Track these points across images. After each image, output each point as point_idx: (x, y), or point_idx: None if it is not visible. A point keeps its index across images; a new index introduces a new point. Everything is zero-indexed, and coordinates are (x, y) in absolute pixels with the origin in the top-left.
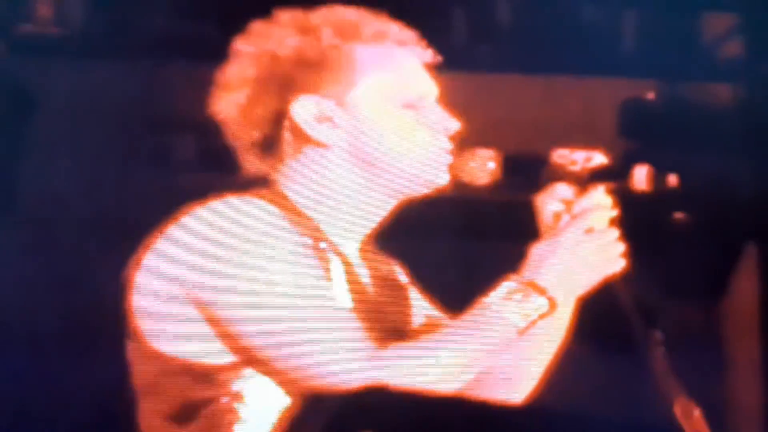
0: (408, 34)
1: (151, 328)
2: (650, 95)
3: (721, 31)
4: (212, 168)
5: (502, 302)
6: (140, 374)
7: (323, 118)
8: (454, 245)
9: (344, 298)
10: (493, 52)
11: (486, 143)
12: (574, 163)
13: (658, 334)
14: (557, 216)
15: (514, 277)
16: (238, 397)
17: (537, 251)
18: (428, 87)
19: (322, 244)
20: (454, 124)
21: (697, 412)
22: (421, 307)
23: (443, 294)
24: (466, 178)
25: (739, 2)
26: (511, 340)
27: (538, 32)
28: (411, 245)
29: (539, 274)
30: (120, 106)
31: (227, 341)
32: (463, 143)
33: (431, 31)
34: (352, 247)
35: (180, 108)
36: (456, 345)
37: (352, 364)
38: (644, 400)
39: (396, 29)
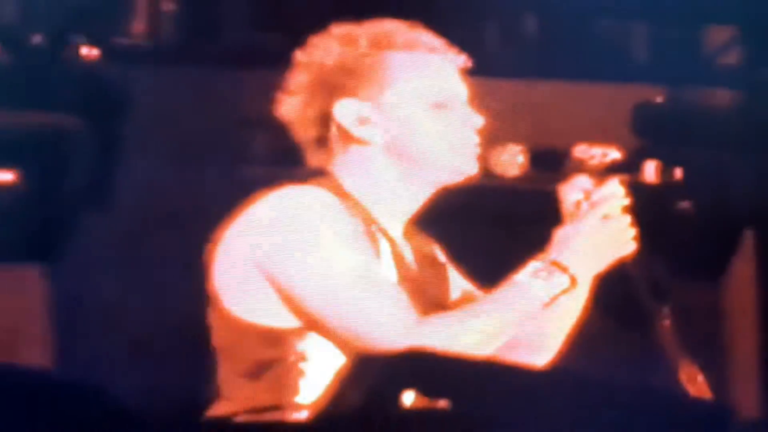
0: (438, 41)
1: (228, 297)
2: (659, 99)
3: (720, 42)
4: (284, 162)
5: (530, 279)
6: (219, 337)
7: (362, 119)
8: (489, 229)
9: (391, 274)
10: (526, 61)
11: (516, 139)
12: (592, 157)
13: (666, 309)
14: (578, 204)
15: (540, 257)
16: (302, 357)
17: (560, 235)
18: (456, 88)
19: (372, 227)
20: (479, 120)
21: (700, 377)
22: (457, 283)
23: (479, 272)
24: (499, 170)
25: (736, 16)
26: (536, 312)
27: (565, 44)
28: (451, 229)
29: (562, 255)
30: (204, 108)
31: (293, 308)
32: (496, 139)
33: (475, 41)
34: (397, 230)
35: (257, 110)
36: (489, 316)
37: (398, 330)
38: (654, 367)
39: (427, 37)
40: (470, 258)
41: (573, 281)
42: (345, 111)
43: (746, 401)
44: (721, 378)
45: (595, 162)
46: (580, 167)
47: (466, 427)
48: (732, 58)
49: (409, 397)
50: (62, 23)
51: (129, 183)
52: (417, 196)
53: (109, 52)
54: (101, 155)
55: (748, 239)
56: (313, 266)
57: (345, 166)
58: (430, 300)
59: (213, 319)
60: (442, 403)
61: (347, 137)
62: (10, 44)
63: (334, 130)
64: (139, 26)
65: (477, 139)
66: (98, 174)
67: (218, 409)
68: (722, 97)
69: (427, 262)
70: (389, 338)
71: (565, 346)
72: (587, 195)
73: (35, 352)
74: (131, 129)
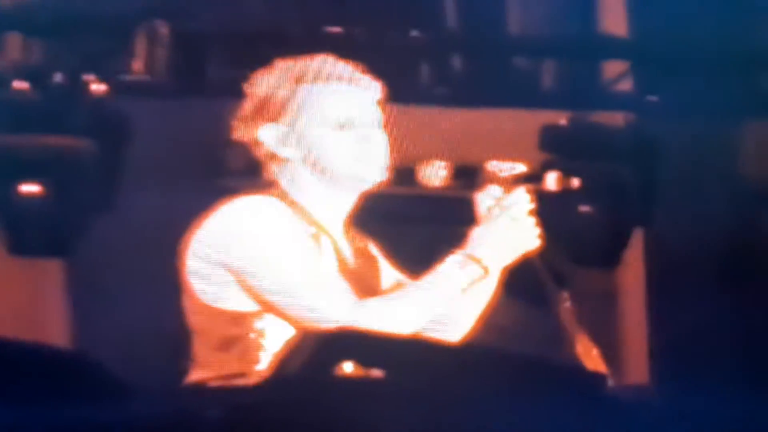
0: (350, 73)
1: (197, 287)
2: (563, 121)
3: (615, 73)
4: (256, 175)
5: (450, 269)
6: (192, 319)
7: (281, 140)
8: (418, 229)
9: (332, 266)
10: (453, 91)
11: (440, 156)
12: (502, 170)
13: (566, 293)
14: (490, 209)
15: (458, 251)
16: (261, 334)
17: (475, 233)
18: (360, 111)
19: (315, 228)
20: (379, 137)
21: (594, 351)
22: (389, 273)
23: (411, 263)
24: (425, 182)
25: (628, 53)
26: (456, 296)
27: (485, 76)
28: (388, 230)
29: (476, 250)
30: (191, 131)
31: (252, 296)
32: (424, 156)
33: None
34: (336, 229)
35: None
36: (416, 298)
37: (339, 311)
38: (554, 342)
39: (341, 70)
40: (403, 253)
41: (485, 271)
42: (266, 134)
43: (635, 371)
44: (614, 352)
45: (504, 175)
46: (492, 179)
47: (392, 393)
48: (624, 86)
49: (348, 368)
50: (77, 64)
51: (130, 192)
52: (343, 201)
53: (114, 86)
54: (108, 170)
55: (638, 235)
56: (267, 262)
57: (284, 177)
58: (366, 287)
59: (186, 304)
60: (376, 373)
61: (273, 155)
62: (36, 82)
63: (264, 149)
64: (138, 65)
65: (379, 152)
66: (106, 185)
67: (194, 376)
68: (615, 118)
69: (362, 255)
70: (332, 318)
71: (479, 324)
72: (498, 201)
73: (54, 332)
74: (132, 149)
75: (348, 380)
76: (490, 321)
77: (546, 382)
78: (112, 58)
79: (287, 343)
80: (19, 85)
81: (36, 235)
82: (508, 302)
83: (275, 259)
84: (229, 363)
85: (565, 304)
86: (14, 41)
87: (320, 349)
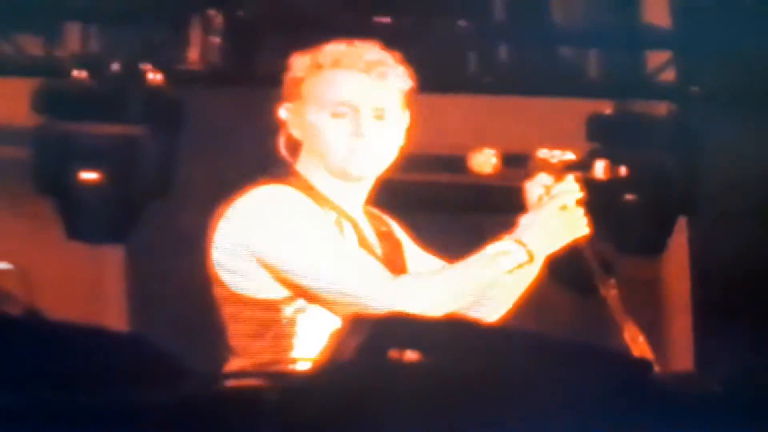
0: (370, 62)
1: (225, 275)
2: (608, 111)
3: (658, 64)
4: None
5: (496, 251)
6: (224, 308)
7: (291, 121)
8: (467, 217)
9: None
10: (504, 81)
11: (491, 144)
12: (552, 157)
13: (612, 280)
14: (540, 197)
15: (506, 236)
16: (293, 321)
17: (524, 220)
18: (362, 101)
19: (336, 213)
20: (375, 130)
21: (641, 338)
22: (417, 256)
23: (460, 250)
24: (477, 169)
25: (671, 43)
26: (497, 279)
27: (534, 67)
28: (438, 218)
29: (524, 235)
30: (245, 119)
31: (283, 283)
32: (474, 144)
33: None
34: (357, 212)
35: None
36: (460, 277)
37: (373, 287)
38: (602, 329)
39: (360, 58)
40: (451, 241)
41: (530, 256)
42: (282, 113)
43: (680, 358)
44: (659, 338)
45: (554, 161)
46: (542, 166)
47: (441, 377)
48: (668, 76)
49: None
50: (134, 54)
51: (185, 179)
52: (351, 188)
53: (170, 76)
54: (164, 158)
55: (682, 224)
56: (294, 247)
57: (303, 163)
58: (391, 270)
59: (216, 293)
60: (412, 356)
61: (293, 138)
62: (94, 71)
63: (285, 131)
64: (193, 55)
65: (372, 147)
66: (162, 172)
67: (232, 365)
68: (660, 108)
69: (386, 239)
70: (366, 294)
71: (523, 309)
72: (547, 190)
73: (113, 314)
74: (187, 136)
75: (400, 365)
76: (537, 306)
77: (592, 367)
78: (167, 48)
79: (340, 328)
80: (78, 74)
81: (94, 221)
82: (556, 288)
83: (301, 244)
84: (263, 351)
85: (612, 291)
86: (73, 31)
87: (374, 334)
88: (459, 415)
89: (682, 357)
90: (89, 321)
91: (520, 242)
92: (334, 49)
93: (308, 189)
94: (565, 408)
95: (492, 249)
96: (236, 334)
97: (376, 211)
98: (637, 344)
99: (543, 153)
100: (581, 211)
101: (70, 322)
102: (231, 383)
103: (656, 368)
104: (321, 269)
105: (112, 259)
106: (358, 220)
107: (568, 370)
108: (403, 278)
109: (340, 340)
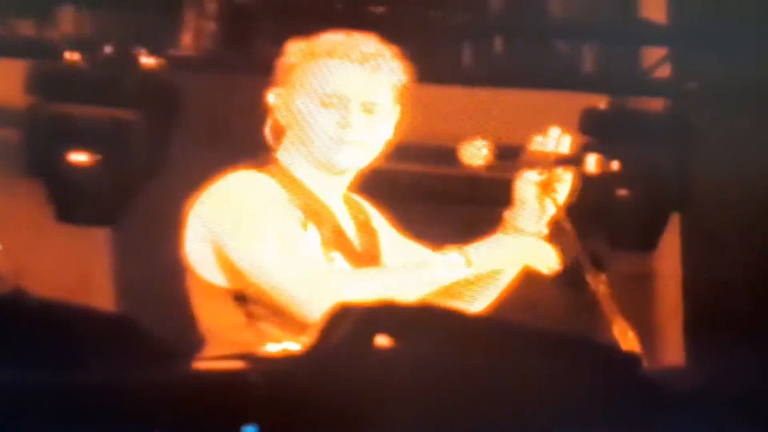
0: (364, 53)
1: (197, 262)
2: (603, 105)
3: (653, 60)
4: None
5: (441, 262)
6: (195, 296)
7: (277, 106)
8: (457, 208)
9: (319, 240)
10: (498, 73)
11: (484, 136)
12: (547, 146)
13: (604, 276)
14: (529, 190)
15: (458, 247)
16: (263, 310)
17: (490, 240)
18: (352, 92)
19: (299, 208)
20: (363, 122)
21: (630, 334)
22: (394, 245)
23: (451, 240)
24: (467, 161)
25: (667, 39)
26: (430, 289)
27: (529, 60)
28: (430, 209)
29: (475, 255)
30: (236, 104)
31: (228, 271)
32: (465, 136)
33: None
34: (336, 201)
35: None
36: (386, 281)
37: (304, 282)
38: (592, 324)
39: (355, 49)
40: (442, 232)
41: (472, 278)
42: (270, 98)
43: (670, 352)
44: (650, 334)
45: (548, 151)
46: (533, 159)
47: (427, 366)
48: (661, 72)
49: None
50: (127, 37)
51: (176, 163)
52: (332, 178)
53: (163, 60)
54: (156, 142)
55: (674, 220)
56: (243, 238)
57: (285, 152)
58: (365, 260)
59: (189, 282)
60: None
61: (278, 124)
62: (87, 53)
63: (271, 116)
64: (186, 39)
65: (358, 139)
66: (153, 156)
67: (209, 352)
68: (655, 104)
69: (362, 228)
70: (297, 288)
71: (513, 302)
72: (540, 185)
73: (102, 297)
74: (179, 121)
75: (385, 351)
76: (527, 299)
77: (580, 360)
78: (161, 32)
79: (328, 314)
80: (71, 56)
81: (84, 203)
82: (546, 282)
83: (251, 234)
84: (237, 341)
85: (602, 286)
86: (66, 13)
87: (360, 321)
88: (447, 405)
89: (673, 353)
90: (77, 302)
91: (468, 261)
92: (330, 38)
93: (284, 177)
94: (552, 400)
95: (437, 258)
96: (208, 323)
97: (357, 198)
98: (627, 339)
99: (538, 141)
100: (549, 249)
101: (57, 302)
102: (216, 366)
103: (645, 363)
104: (262, 262)
105: (101, 241)
106: (334, 210)
107: (557, 362)
108: (335, 271)
109: (327, 326)
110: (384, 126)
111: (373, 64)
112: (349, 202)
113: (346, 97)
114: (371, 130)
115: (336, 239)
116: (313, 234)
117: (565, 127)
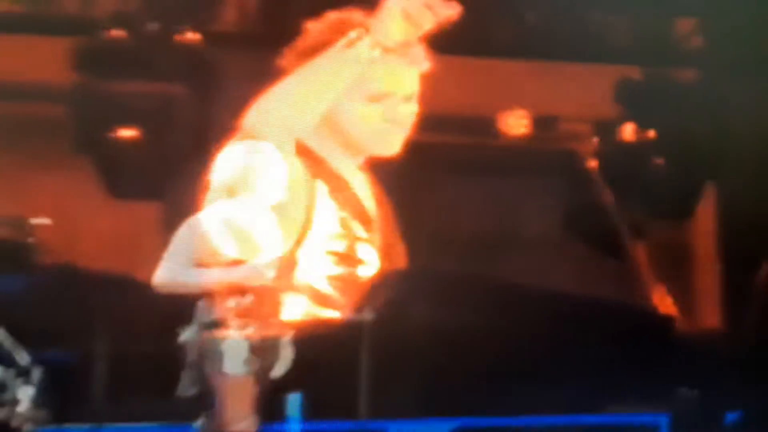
0: (405, 45)
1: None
2: (637, 76)
3: (687, 32)
4: None
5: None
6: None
7: None
8: (494, 179)
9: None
10: (536, 46)
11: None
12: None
13: (642, 243)
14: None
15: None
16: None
17: None
18: (396, 87)
19: (321, 172)
20: (406, 113)
21: (668, 297)
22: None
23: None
24: (507, 130)
25: (700, 9)
26: None
27: (567, 32)
28: (461, 179)
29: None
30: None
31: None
32: (505, 107)
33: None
34: (352, 172)
35: None
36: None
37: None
38: (631, 288)
39: (388, 40)
40: (477, 202)
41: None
42: None
43: (706, 316)
44: (685, 297)
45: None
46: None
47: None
48: (696, 44)
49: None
50: (171, 13)
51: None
52: (351, 159)
53: (206, 36)
54: (200, 116)
55: (710, 189)
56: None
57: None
58: (377, 228)
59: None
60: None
61: None
62: (132, 30)
63: None
64: (229, 16)
65: (402, 130)
66: (197, 131)
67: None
68: (688, 75)
69: (376, 198)
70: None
71: (551, 269)
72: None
73: (149, 270)
74: (222, 96)
75: (421, 317)
76: (565, 266)
77: (616, 324)
78: (204, 8)
79: (368, 282)
80: (116, 33)
81: (130, 178)
82: (584, 249)
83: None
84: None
85: (640, 252)
86: None
87: (401, 288)
88: (484, 371)
89: (710, 318)
90: (125, 276)
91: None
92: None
93: (304, 151)
94: (589, 364)
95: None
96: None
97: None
98: (665, 304)
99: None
100: None
101: (106, 275)
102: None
103: (681, 326)
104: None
105: (148, 215)
106: (351, 182)
107: (592, 327)
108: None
109: (369, 294)
110: (415, 110)
111: (412, 57)
112: (366, 174)
113: (392, 91)
114: (410, 119)
115: (354, 210)
116: (327, 199)
117: (600, 97)
